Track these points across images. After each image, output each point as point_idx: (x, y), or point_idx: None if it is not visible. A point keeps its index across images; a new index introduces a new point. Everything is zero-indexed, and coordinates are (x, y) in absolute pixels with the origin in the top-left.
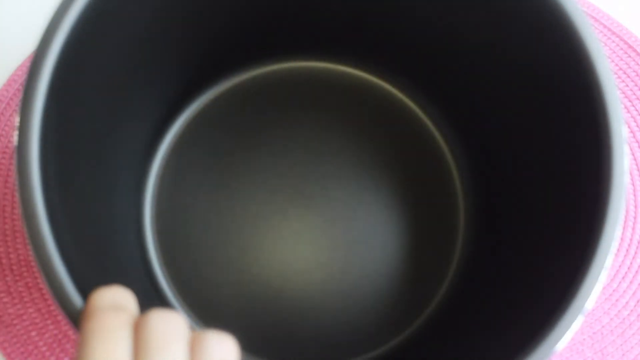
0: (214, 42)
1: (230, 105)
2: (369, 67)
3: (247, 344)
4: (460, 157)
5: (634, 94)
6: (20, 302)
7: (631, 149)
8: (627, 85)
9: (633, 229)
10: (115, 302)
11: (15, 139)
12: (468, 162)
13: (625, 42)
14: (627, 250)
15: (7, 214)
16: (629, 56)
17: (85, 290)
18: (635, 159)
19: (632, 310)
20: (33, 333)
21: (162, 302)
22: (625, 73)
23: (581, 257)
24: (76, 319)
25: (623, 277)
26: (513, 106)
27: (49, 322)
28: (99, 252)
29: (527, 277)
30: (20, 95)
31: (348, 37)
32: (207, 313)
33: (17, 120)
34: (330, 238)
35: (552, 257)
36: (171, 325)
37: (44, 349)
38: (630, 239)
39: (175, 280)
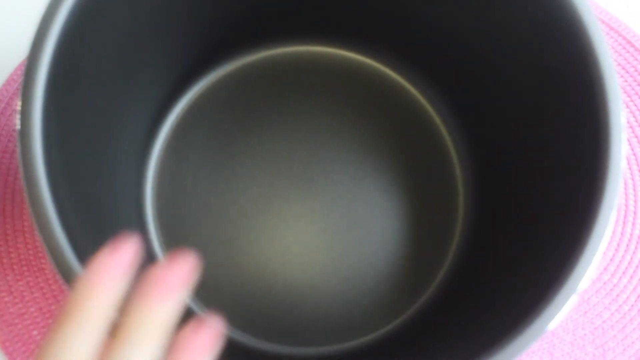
0: (216, 24)
1: (232, 88)
2: (371, 53)
3: (244, 324)
4: (459, 141)
5: (633, 89)
6: (21, 301)
7: (630, 145)
8: (626, 81)
9: (633, 224)
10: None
11: (17, 122)
12: (467, 147)
13: (624, 38)
14: (627, 246)
15: (7, 213)
16: (628, 52)
17: (84, 260)
18: (635, 155)
19: (632, 306)
20: (34, 332)
21: None
22: (624, 69)
23: (576, 238)
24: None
25: (624, 273)
26: (515, 94)
27: (50, 320)
28: (100, 228)
29: (523, 258)
30: (19, 94)
31: (351, 22)
32: (205, 292)
33: (19, 103)
34: (330, 221)
35: (549, 240)
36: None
37: None
38: (631, 235)
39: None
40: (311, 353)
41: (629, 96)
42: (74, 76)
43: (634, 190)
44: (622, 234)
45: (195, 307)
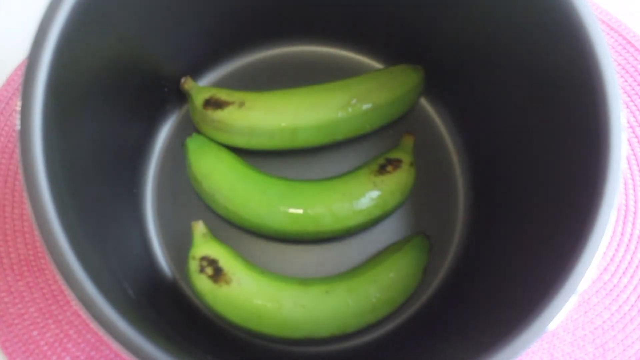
0: (215, 26)
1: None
2: (371, 52)
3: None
4: (459, 142)
5: (633, 89)
6: (21, 301)
7: (630, 145)
8: (626, 81)
9: (633, 224)
10: None
11: (17, 122)
12: (467, 147)
13: (624, 38)
14: (627, 246)
15: (7, 213)
16: (628, 52)
17: (88, 266)
18: (635, 155)
19: (632, 306)
20: (34, 332)
21: (161, 278)
22: (624, 69)
23: (576, 239)
24: (80, 293)
25: (624, 273)
26: (515, 94)
27: (50, 321)
28: (100, 228)
29: (523, 258)
30: (19, 94)
31: (350, 22)
32: None
33: (19, 103)
34: None
35: (549, 240)
36: None
37: (45, 348)
38: (631, 234)
39: (173, 259)
40: (311, 353)
41: (629, 96)
42: (75, 76)
43: (634, 190)
44: (622, 234)
45: (192, 305)
